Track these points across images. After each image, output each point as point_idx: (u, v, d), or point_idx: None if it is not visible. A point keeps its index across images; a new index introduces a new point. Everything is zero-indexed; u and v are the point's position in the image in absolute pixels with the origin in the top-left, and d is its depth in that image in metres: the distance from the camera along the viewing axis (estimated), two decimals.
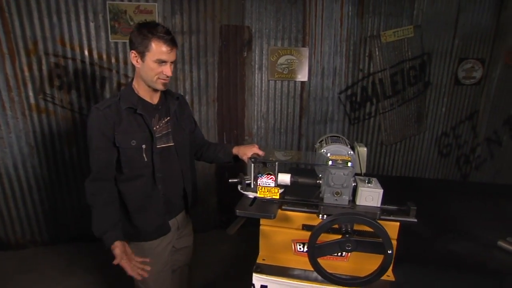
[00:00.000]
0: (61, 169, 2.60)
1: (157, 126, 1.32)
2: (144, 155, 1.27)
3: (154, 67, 1.22)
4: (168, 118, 1.36)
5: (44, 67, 2.38)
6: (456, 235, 1.44)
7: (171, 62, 1.25)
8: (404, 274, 1.13)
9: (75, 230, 2.76)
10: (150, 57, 1.20)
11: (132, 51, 1.23)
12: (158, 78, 1.24)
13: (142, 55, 1.22)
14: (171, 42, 1.22)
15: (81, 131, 2.56)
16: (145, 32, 1.19)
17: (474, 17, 3.03)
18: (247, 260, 2.57)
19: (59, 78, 2.42)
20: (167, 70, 1.24)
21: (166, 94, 1.40)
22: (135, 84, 1.31)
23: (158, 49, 1.20)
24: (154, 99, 1.34)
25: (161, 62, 1.22)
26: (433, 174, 3.45)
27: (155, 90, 1.31)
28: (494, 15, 3.07)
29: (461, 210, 1.74)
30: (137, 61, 1.24)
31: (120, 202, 1.31)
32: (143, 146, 1.26)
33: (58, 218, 2.69)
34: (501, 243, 1.31)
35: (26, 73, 2.36)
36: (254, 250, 2.76)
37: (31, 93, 2.40)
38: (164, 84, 1.27)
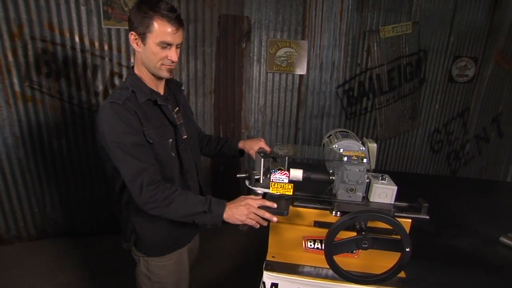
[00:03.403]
0: (49, 161, 2.47)
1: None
2: (171, 151, 1.15)
3: (157, 51, 1.05)
4: (177, 108, 1.25)
5: (31, 53, 2.23)
6: (458, 230, 1.47)
7: (177, 45, 1.09)
8: (413, 270, 1.13)
9: (64, 225, 2.65)
10: (153, 39, 1.03)
11: (132, 32, 1.06)
12: (163, 64, 1.08)
13: (143, 36, 1.04)
14: (177, 21, 1.05)
15: (71, 121, 2.44)
16: (146, 9, 1.01)
17: (469, 16, 3.08)
18: (244, 255, 2.58)
19: (47, 65, 2.28)
20: (173, 54, 1.07)
21: (168, 82, 1.26)
22: (137, 72, 1.14)
23: (162, 29, 1.02)
24: (160, 89, 1.20)
25: (165, 45, 1.05)
26: (424, 169, 3.53)
27: (160, 79, 1.17)
28: (488, 15, 3.12)
29: (458, 205, 1.77)
30: (137, 44, 1.07)
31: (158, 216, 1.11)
32: (170, 140, 1.14)
33: (46, 213, 2.57)
34: (503, 239, 1.33)
35: (10, 59, 2.20)
36: (250, 244, 2.73)
37: (16, 80, 2.25)
38: (170, 71, 1.12)
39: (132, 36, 1.07)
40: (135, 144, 1.03)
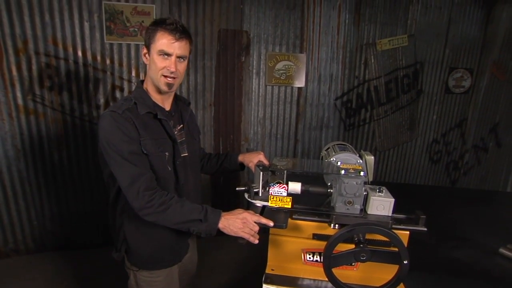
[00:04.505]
0: (50, 174, 2.48)
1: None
2: (167, 164, 1.16)
3: (157, 61, 1.10)
4: (181, 126, 1.27)
5: (34, 67, 2.27)
6: (458, 242, 1.47)
7: (179, 57, 1.12)
8: (413, 282, 1.13)
9: (62, 237, 2.64)
10: (154, 49, 1.10)
11: (143, 47, 1.16)
12: (162, 75, 1.11)
13: (148, 48, 1.13)
14: (177, 32, 1.09)
15: (72, 134, 2.46)
16: (154, 24, 1.12)
17: (464, 29, 3.15)
18: (243, 268, 2.56)
19: (50, 78, 2.32)
20: (171, 64, 1.10)
21: (176, 99, 1.31)
22: (145, 86, 1.20)
23: (161, 39, 1.09)
24: (166, 104, 1.22)
25: (164, 54, 1.09)
26: (424, 180, 3.53)
27: (166, 94, 1.19)
28: (482, 28, 3.20)
29: (457, 216, 1.77)
30: (146, 57, 1.16)
31: (150, 228, 1.15)
32: (166, 153, 1.16)
33: (45, 225, 2.57)
34: (502, 250, 1.33)
35: (14, 73, 2.24)
36: (250, 256, 2.71)
37: (19, 94, 2.29)
38: (168, 85, 1.13)
39: (143, 50, 1.16)
40: (132, 152, 1.06)
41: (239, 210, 1.10)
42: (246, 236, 1.05)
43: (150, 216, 1.06)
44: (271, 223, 1.06)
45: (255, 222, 1.06)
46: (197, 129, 1.42)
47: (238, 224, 1.05)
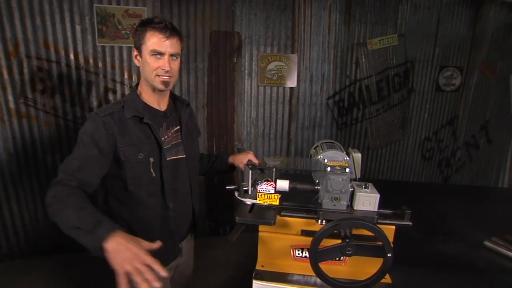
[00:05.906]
0: (43, 177, 2.48)
1: (165, 137, 1.20)
2: (152, 170, 1.14)
3: (150, 61, 1.10)
4: (178, 127, 1.26)
5: (26, 71, 2.28)
6: (445, 236, 1.50)
7: (172, 55, 1.12)
8: (400, 276, 1.15)
9: (57, 241, 2.63)
10: (146, 50, 1.10)
11: (133, 49, 1.16)
12: (157, 75, 1.11)
13: (139, 50, 1.12)
14: (166, 29, 1.09)
15: (65, 137, 2.46)
16: (142, 24, 1.12)
17: (453, 28, 3.21)
18: (239, 267, 2.57)
19: (42, 82, 2.33)
20: (165, 63, 1.10)
21: (175, 100, 1.29)
22: (139, 89, 1.19)
23: (152, 38, 1.09)
24: (162, 105, 1.21)
25: (157, 53, 1.10)
26: (417, 177, 3.57)
27: (161, 94, 1.19)
28: (470, 27, 3.25)
29: (446, 212, 1.81)
30: (137, 59, 1.15)
31: (141, 231, 1.12)
32: (151, 159, 1.14)
33: (39, 229, 2.56)
34: (487, 243, 1.37)
35: (6, 77, 2.25)
36: (245, 256, 2.73)
37: (10, 97, 2.29)
38: (164, 83, 1.13)
39: (134, 52, 1.16)
40: (88, 157, 1.06)
41: (135, 241, 0.89)
42: (131, 271, 0.83)
43: (49, 213, 0.98)
44: (164, 274, 0.85)
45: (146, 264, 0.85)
46: (197, 130, 1.41)
47: (128, 254, 0.85)
